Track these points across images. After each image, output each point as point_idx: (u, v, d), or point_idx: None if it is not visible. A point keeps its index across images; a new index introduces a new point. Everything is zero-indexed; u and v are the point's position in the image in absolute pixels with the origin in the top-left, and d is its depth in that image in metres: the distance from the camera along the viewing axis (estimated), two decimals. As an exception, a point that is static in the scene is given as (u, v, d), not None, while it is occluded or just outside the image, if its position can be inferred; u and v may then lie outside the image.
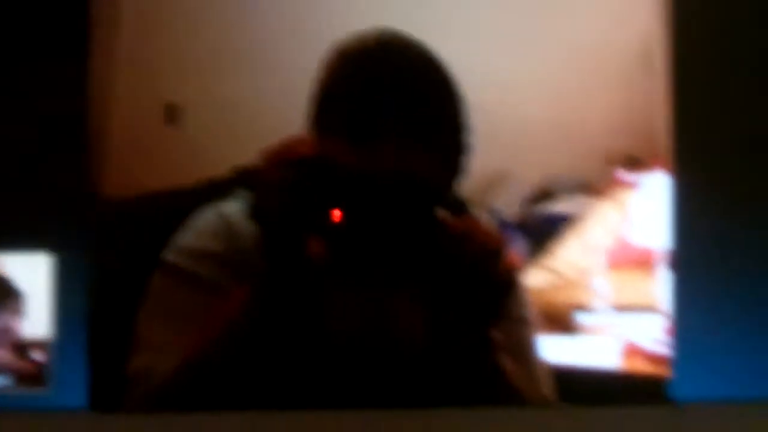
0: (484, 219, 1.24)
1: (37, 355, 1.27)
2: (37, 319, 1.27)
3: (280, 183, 1.08)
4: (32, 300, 1.28)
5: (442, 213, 1.10)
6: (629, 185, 1.32)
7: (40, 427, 1.26)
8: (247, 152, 1.24)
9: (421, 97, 1.13)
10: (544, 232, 1.33)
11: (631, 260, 1.32)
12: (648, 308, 1.30)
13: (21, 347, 1.27)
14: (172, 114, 1.34)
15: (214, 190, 1.24)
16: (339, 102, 1.14)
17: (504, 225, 1.31)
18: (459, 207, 1.14)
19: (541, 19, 1.34)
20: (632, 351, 1.30)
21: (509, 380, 1.17)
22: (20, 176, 1.29)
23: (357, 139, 1.11)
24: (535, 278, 1.31)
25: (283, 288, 1.09)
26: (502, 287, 1.12)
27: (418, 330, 1.14)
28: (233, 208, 1.20)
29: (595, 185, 1.33)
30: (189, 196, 1.26)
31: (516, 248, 1.31)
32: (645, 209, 1.32)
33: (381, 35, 1.15)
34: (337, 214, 1.06)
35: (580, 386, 1.27)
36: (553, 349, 1.27)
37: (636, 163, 1.32)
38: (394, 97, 1.11)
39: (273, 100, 1.32)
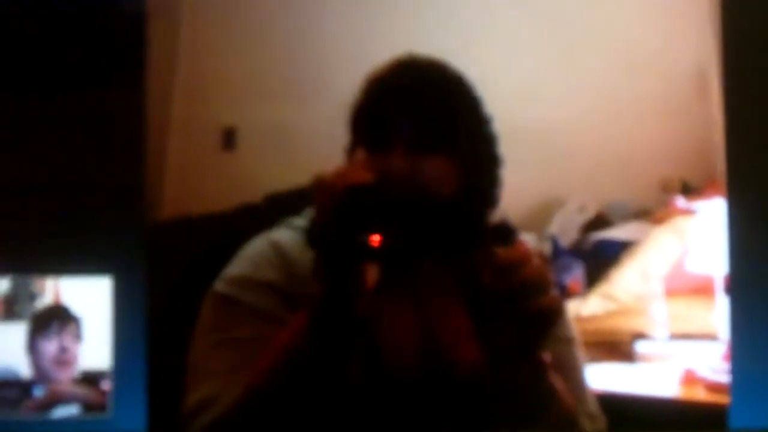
0: (533, 248, 1.23)
1: (98, 382, 1.29)
2: (96, 344, 1.29)
3: (336, 209, 1.10)
4: (90, 324, 1.29)
5: (490, 241, 1.09)
6: (686, 212, 1.33)
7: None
8: (303, 175, 1.28)
9: (435, 112, 1.12)
10: (601, 258, 1.33)
11: (688, 287, 1.32)
12: (706, 336, 1.30)
13: (83, 374, 1.29)
14: (229, 138, 1.35)
15: (274, 210, 1.26)
16: (362, 118, 1.15)
17: (561, 251, 1.32)
18: (507, 235, 1.14)
19: (595, 46, 1.35)
20: (691, 379, 1.30)
21: (562, 402, 1.17)
22: (79, 201, 1.29)
23: (373, 149, 1.12)
24: (592, 305, 1.31)
25: (340, 313, 1.09)
26: (547, 318, 1.11)
27: (475, 352, 1.14)
28: (285, 237, 1.21)
29: (651, 211, 1.34)
30: (240, 219, 1.27)
31: (573, 275, 1.31)
32: (702, 236, 1.32)
33: (407, 56, 1.16)
34: (376, 239, 1.07)
35: (639, 414, 1.26)
36: (612, 377, 1.28)
37: (692, 189, 1.33)
38: (408, 109, 1.11)
39: (327, 124, 1.33)
